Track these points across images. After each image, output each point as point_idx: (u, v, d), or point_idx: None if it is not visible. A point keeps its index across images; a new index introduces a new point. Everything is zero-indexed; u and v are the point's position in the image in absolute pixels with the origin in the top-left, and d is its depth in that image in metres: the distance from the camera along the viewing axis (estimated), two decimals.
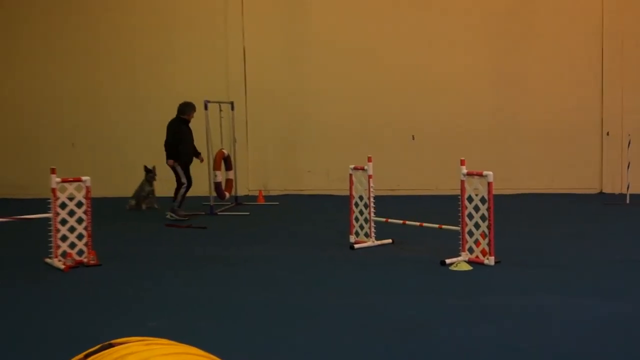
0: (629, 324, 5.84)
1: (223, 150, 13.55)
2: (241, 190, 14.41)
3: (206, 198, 13.24)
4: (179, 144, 12.20)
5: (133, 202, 13.70)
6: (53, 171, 8.46)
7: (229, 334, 5.79)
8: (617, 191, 14.40)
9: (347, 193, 9.78)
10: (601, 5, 14.48)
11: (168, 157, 12.24)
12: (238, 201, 14.03)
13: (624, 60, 14.46)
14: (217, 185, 13.14)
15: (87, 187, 8.61)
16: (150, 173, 13.69)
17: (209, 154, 12.91)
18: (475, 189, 8.32)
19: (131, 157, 15.46)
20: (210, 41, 15.72)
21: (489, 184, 8.08)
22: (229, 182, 13.80)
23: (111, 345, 2.19)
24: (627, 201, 13.04)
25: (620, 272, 7.77)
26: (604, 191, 14.62)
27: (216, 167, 13.16)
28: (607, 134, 14.60)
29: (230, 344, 5.48)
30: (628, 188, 13.32)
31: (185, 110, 12.35)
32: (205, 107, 12.96)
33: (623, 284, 7.22)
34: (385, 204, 11.12)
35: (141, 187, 13.71)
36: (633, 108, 14.44)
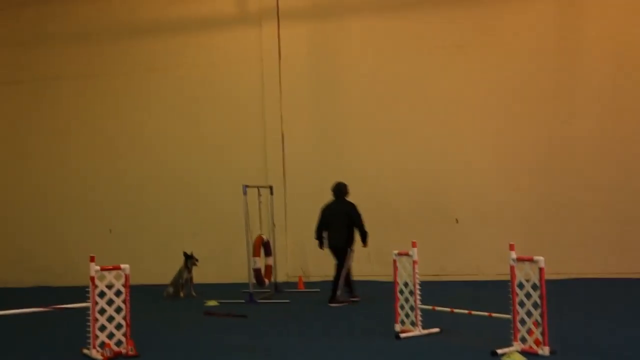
0: None
1: (262, 235, 13.38)
2: (280, 277, 14.13)
3: (245, 285, 12.99)
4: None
5: (171, 289, 13.50)
6: (92, 259, 8.32)
7: None
8: None
9: (389, 278, 9.49)
10: None
11: (363, 240, 12.06)
12: (278, 288, 13.75)
13: None
14: (257, 272, 12.90)
15: (126, 275, 8.46)
16: (190, 259, 13.53)
17: (247, 240, 12.73)
18: (526, 274, 7.97)
19: (168, 244, 15.37)
20: (249, 126, 15.83)
21: (541, 269, 7.74)
22: (268, 268, 13.56)
23: None
24: None
25: None
26: None
27: (255, 254, 12.96)
28: None
29: None
30: None
31: (348, 190, 12.35)
32: (244, 192, 12.88)
33: None
34: (430, 289, 10.76)
35: (179, 273, 13.52)
36: None
